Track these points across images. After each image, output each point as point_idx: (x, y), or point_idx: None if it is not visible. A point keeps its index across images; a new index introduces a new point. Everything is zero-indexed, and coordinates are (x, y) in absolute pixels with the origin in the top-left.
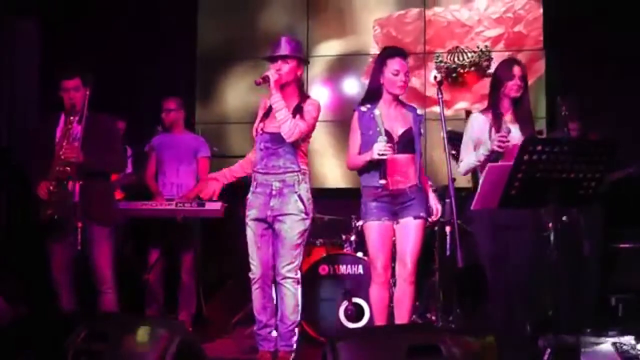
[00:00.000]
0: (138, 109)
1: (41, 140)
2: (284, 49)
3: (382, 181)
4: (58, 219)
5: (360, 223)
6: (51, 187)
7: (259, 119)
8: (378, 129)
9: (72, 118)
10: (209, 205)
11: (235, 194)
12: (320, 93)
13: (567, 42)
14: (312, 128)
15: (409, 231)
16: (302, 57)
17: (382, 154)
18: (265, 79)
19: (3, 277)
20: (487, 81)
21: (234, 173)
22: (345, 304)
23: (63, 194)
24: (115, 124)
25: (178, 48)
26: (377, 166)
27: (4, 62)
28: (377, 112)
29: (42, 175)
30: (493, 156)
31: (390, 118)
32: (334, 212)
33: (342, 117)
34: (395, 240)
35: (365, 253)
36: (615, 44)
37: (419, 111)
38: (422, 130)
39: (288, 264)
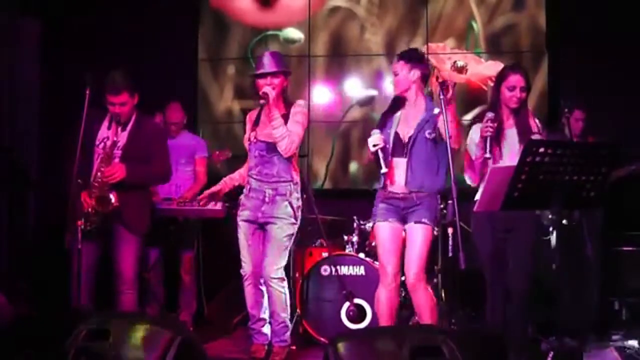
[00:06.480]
0: (139, 108)
1: (85, 139)
2: (271, 65)
3: (384, 170)
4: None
5: (369, 224)
6: (90, 209)
7: (249, 129)
8: (389, 131)
9: (118, 128)
10: (211, 206)
11: (235, 194)
12: (320, 93)
13: (569, 42)
14: (303, 134)
15: (411, 237)
16: (288, 71)
17: (375, 145)
18: (265, 97)
19: (6, 276)
20: None
21: (233, 182)
22: (347, 305)
23: (102, 213)
24: (160, 127)
25: (179, 47)
26: (378, 162)
27: (6, 61)
28: (398, 114)
29: (82, 180)
30: (487, 149)
31: (408, 120)
32: (336, 213)
33: (342, 118)
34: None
35: (367, 254)
36: (616, 44)
37: (436, 110)
38: (435, 131)
39: (274, 265)
